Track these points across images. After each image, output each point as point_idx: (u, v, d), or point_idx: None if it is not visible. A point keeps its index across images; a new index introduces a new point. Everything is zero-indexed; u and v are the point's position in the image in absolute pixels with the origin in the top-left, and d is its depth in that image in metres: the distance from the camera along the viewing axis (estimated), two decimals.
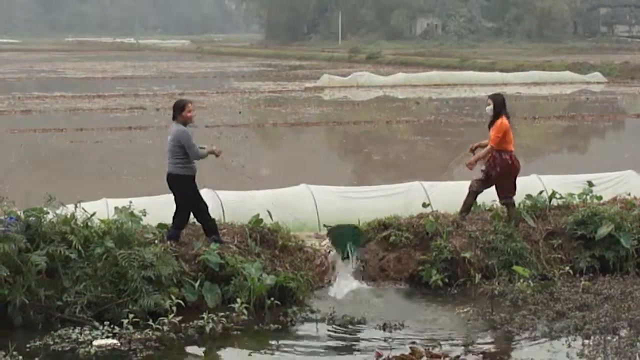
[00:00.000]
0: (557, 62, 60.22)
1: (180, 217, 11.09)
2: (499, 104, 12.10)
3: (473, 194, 12.33)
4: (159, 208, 11.76)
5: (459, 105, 38.28)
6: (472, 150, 12.36)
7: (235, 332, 9.80)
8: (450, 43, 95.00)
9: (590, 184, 13.43)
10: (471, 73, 53.02)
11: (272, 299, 10.45)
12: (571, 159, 25.59)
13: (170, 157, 11.02)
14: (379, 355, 8.74)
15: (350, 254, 11.56)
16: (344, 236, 11.69)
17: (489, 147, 11.98)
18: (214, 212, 11.61)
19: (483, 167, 12.28)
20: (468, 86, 48.03)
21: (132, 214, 10.94)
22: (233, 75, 59.67)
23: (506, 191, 12.17)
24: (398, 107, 38.41)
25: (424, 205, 12.72)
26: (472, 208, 12.69)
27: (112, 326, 9.59)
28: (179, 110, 11.10)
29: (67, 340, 9.38)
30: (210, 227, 11.21)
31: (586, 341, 9.28)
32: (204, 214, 11.19)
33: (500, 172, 12.04)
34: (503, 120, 12.01)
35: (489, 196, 12.55)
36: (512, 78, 50.82)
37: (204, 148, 11.15)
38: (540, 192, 13.08)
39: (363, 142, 27.86)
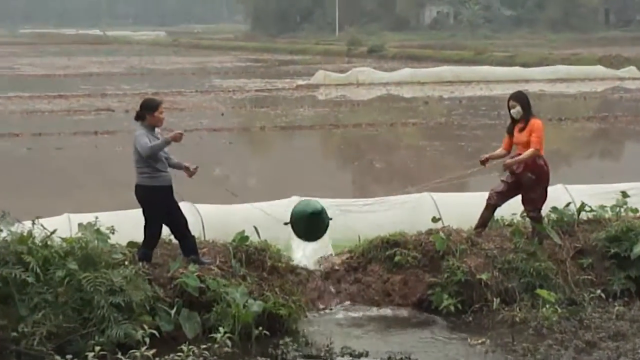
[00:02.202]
0: (587, 55, 60.40)
1: (150, 234, 11.07)
2: (527, 104, 12.16)
3: (491, 207, 12.34)
4: (129, 224, 11.74)
5: (474, 105, 38.34)
6: (483, 162, 12.36)
7: None
8: (464, 34, 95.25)
9: (624, 194, 13.44)
10: (488, 68, 53.16)
11: (260, 328, 10.44)
12: (603, 166, 25.63)
13: (135, 167, 11.02)
14: None
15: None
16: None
17: (532, 150, 11.96)
18: (193, 228, 11.60)
19: (503, 177, 12.31)
20: (484, 83, 48.11)
21: (98, 231, 10.92)
22: (215, 72, 59.71)
23: (537, 202, 12.21)
24: (404, 108, 38.46)
25: (434, 219, 12.72)
26: (490, 223, 12.71)
27: None
28: (151, 109, 10.98)
29: None
30: (189, 245, 11.21)
31: None
32: (182, 229, 11.19)
33: (536, 180, 12.07)
34: (536, 120, 12.11)
35: (509, 209, 12.56)
36: (535, 74, 50.93)
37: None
38: (568, 204, 13.09)
39: (364, 147, 27.87)
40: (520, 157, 12.05)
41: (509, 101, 12.28)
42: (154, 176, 10.94)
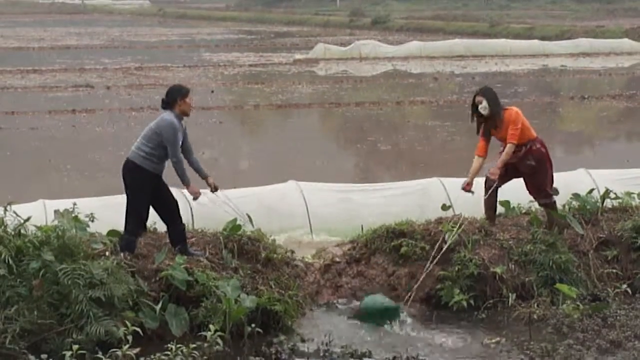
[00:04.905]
0: (612, 27, 60.30)
1: (135, 218, 11.07)
2: (494, 98, 12.13)
3: (493, 190, 12.31)
4: (110, 211, 11.76)
5: (488, 82, 38.27)
6: (469, 190, 12.35)
7: None
8: (478, 3, 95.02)
9: None
10: (503, 41, 53.06)
11: (253, 325, 10.46)
12: (629, 149, 25.63)
13: (140, 141, 11.03)
14: None
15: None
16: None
17: (509, 146, 11.99)
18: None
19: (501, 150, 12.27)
20: (499, 58, 48.09)
21: (76, 218, 10.94)
22: (204, 44, 59.64)
23: (544, 189, 12.22)
24: (411, 85, 38.46)
25: (444, 207, 12.73)
26: (506, 211, 12.71)
27: None
28: (181, 96, 11.07)
29: None
30: (177, 233, 11.21)
31: None
32: (172, 213, 11.18)
33: (537, 166, 12.08)
34: (510, 110, 12.13)
35: (526, 196, 12.56)
36: (556, 47, 50.91)
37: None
38: (591, 191, 13.10)
39: (367, 128, 27.87)
40: (501, 159, 12.09)
41: (474, 97, 12.26)
42: (150, 160, 10.96)
